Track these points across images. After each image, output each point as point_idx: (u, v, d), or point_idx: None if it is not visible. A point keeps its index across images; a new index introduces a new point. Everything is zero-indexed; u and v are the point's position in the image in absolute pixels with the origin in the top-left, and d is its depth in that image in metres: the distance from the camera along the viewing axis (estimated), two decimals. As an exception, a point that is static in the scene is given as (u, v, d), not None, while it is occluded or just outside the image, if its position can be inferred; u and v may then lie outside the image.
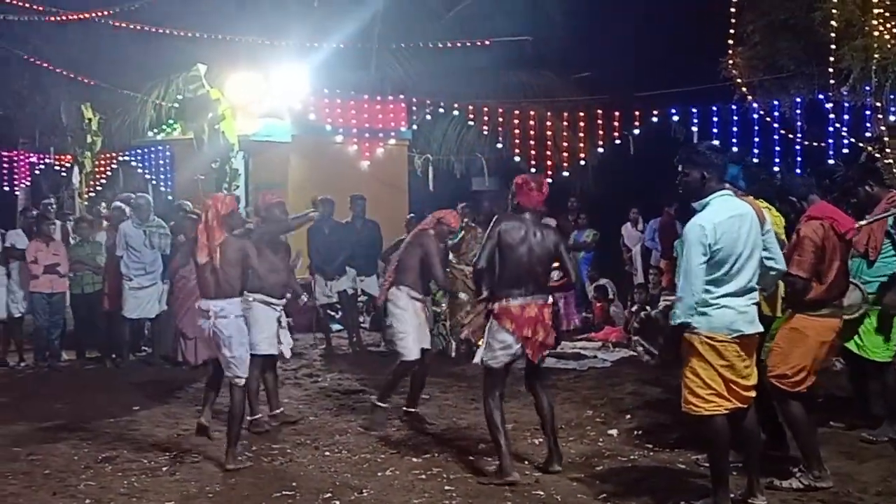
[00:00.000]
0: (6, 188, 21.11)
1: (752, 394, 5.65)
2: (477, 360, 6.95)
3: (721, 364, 5.50)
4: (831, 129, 14.22)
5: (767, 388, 6.23)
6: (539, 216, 6.98)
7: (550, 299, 6.86)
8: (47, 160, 21.30)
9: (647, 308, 12.14)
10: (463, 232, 12.05)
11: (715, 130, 16.27)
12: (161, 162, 18.85)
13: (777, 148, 15.36)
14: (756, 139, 15.64)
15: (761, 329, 5.73)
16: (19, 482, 6.70)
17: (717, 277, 5.45)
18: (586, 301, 15.50)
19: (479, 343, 7.04)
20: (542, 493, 6.32)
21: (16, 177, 21.39)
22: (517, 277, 6.70)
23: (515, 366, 7.00)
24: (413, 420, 8.45)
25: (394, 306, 8.34)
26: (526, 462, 7.05)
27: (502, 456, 6.65)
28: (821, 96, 13.98)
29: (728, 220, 5.48)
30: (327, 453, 7.50)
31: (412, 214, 14.18)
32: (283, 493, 6.41)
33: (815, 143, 14.88)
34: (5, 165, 21.32)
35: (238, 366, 7.24)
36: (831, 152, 14.43)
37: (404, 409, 8.58)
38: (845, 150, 14.18)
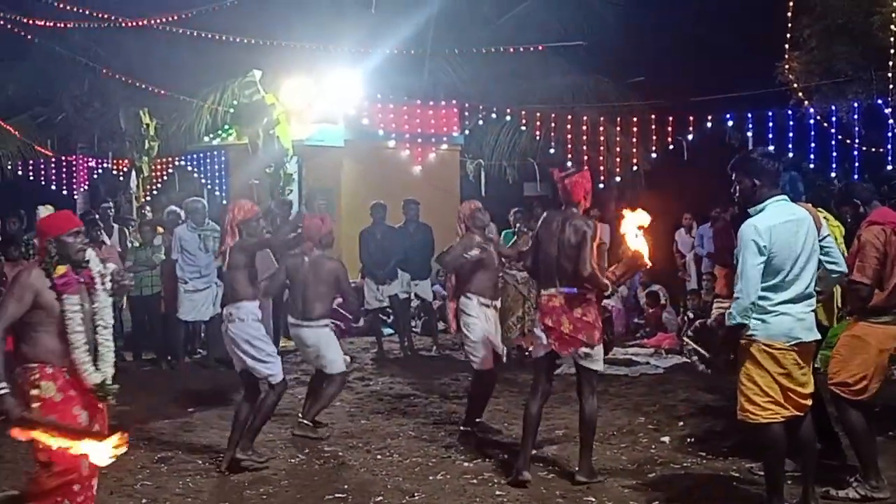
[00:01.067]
0: (65, 192, 21.47)
1: (809, 402, 5.58)
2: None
3: (778, 372, 5.44)
4: (890, 134, 14.01)
5: (823, 396, 6.15)
6: (575, 210, 6.82)
7: (590, 294, 6.68)
8: (105, 165, 21.64)
9: (701, 316, 12.04)
10: (515, 237, 12.04)
11: (771, 136, 16.10)
12: (216, 167, 19.07)
13: (834, 154, 15.18)
14: (812, 145, 15.46)
15: (819, 337, 5.67)
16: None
17: (775, 284, 5.40)
18: (638, 307, 15.41)
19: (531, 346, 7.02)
20: (593, 499, 6.30)
21: (74, 181, 21.75)
22: (547, 270, 6.77)
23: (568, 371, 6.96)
24: (480, 429, 8.28)
25: (465, 315, 8.09)
26: (577, 468, 7.00)
27: (521, 452, 6.73)
28: (879, 101, 13.80)
29: (783, 224, 5.43)
30: (378, 456, 7.54)
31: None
32: (336, 495, 6.46)
33: (873, 149, 14.67)
34: (64, 170, 21.69)
35: (261, 366, 7.31)
36: (889, 158, 14.21)
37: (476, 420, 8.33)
38: (904, 156, 13.97)
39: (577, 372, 6.87)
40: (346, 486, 6.66)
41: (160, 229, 13.09)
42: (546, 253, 6.77)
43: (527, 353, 8.16)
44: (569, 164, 18.68)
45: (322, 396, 8.26)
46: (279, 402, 7.61)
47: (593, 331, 6.67)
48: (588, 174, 6.97)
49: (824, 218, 6.27)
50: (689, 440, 7.88)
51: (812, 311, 5.55)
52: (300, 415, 8.32)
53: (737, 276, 5.51)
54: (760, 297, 5.38)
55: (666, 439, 7.96)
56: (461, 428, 8.11)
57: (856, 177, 14.07)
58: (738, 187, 5.67)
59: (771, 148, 15.89)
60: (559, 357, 6.89)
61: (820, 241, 5.64)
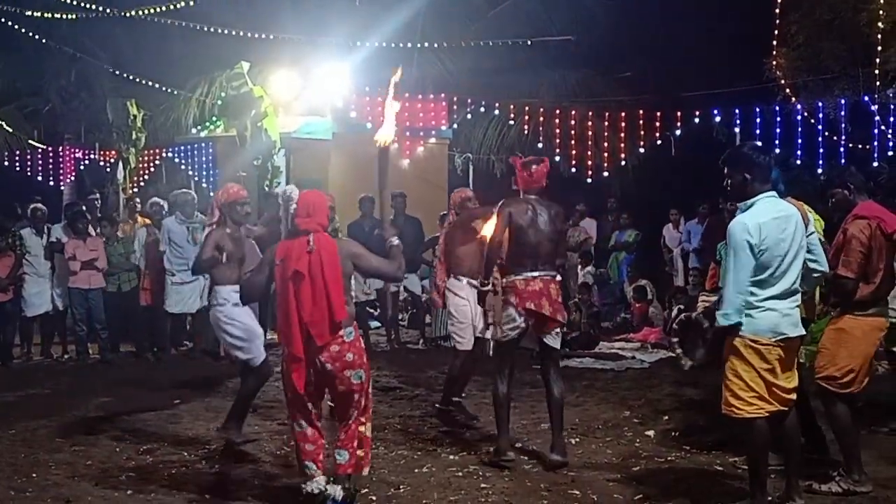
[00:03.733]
0: (51, 183, 21.39)
1: (793, 396, 5.61)
2: (487, 335, 7.08)
3: (764, 367, 5.47)
4: (876, 131, 14.07)
5: (808, 391, 6.18)
6: (543, 197, 7.15)
7: (559, 276, 7.08)
8: (92, 156, 21.56)
9: (684, 310, 12.03)
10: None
11: (758, 132, 16.14)
12: (204, 159, 19.01)
13: (821, 150, 15.23)
14: (799, 141, 15.51)
15: (804, 332, 5.70)
16: (62, 472, 6.80)
17: (762, 279, 5.42)
18: (624, 302, 15.46)
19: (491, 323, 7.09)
20: (577, 492, 6.32)
21: (61, 172, 21.67)
22: (524, 255, 6.94)
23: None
24: (457, 409, 8.41)
25: (454, 296, 8.22)
26: (552, 449, 7.02)
27: (500, 434, 6.91)
28: (866, 98, 13.85)
29: (772, 220, 5.44)
30: (364, 449, 7.53)
31: (445, 212, 14.19)
32: (321, 487, 6.44)
33: (859, 146, 14.73)
34: (51, 161, 21.61)
35: (237, 351, 7.46)
36: (876, 154, 14.28)
37: (453, 398, 8.47)
38: (890, 153, 14.02)
39: (544, 354, 7.10)
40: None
41: (146, 220, 13.08)
42: (524, 240, 6.93)
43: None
44: (556, 158, 18.74)
45: None
46: (261, 388, 7.76)
47: (564, 311, 7.13)
48: (548, 164, 7.29)
49: (808, 211, 6.28)
50: (673, 434, 7.91)
51: (797, 306, 5.57)
52: None
53: (726, 274, 5.52)
54: (749, 293, 5.40)
55: (651, 433, 7.99)
56: (437, 406, 8.40)
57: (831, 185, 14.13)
58: (729, 182, 5.69)
59: (758, 143, 15.96)
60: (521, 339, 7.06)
61: (807, 236, 5.67)
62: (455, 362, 8.37)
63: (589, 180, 18.84)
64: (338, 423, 5.90)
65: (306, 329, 5.64)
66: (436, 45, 19.72)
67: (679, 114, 17.35)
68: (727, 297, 5.43)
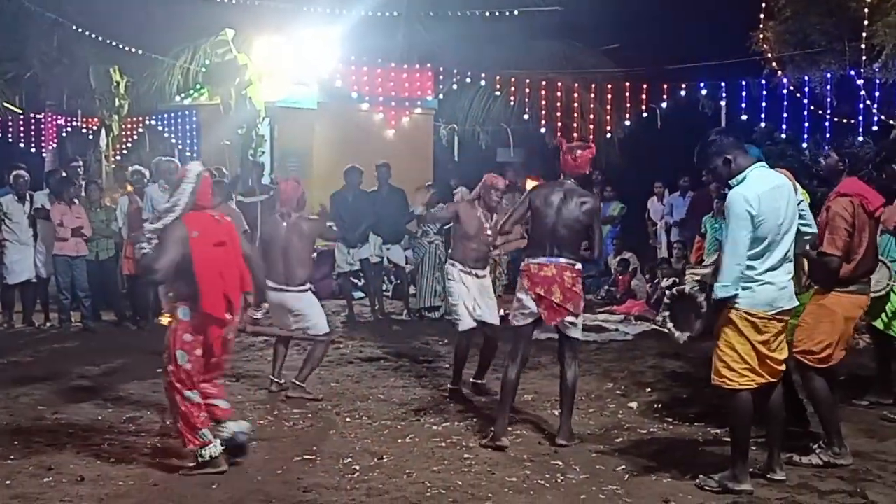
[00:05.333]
0: (33, 150, 21.21)
1: (783, 368, 5.68)
2: (499, 316, 7.07)
3: (758, 339, 5.50)
4: (861, 106, 14.09)
5: (790, 365, 6.21)
6: (581, 183, 7.05)
7: (579, 265, 6.83)
8: (74, 123, 21.39)
9: (675, 284, 12.03)
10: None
11: (743, 105, 16.17)
12: (187, 127, 18.91)
13: (806, 124, 15.27)
14: (785, 115, 15.55)
15: (798, 303, 5.73)
16: (44, 440, 6.78)
17: (760, 251, 5.43)
18: (608, 274, 15.48)
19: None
20: (560, 463, 6.35)
21: (43, 139, 21.49)
22: (541, 240, 6.81)
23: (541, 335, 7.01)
24: (479, 391, 8.44)
25: (448, 280, 8.38)
26: (546, 432, 7.06)
27: (498, 419, 6.80)
28: (851, 72, 13.86)
29: (769, 191, 5.45)
30: (348, 419, 7.55)
31: (429, 182, 14.17)
32: (304, 457, 6.46)
33: (844, 120, 14.75)
34: (33, 127, 21.42)
35: None
36: (860, 129, 14.31)
37: (472, 380, 8.50)
38: (875, 128, 14.05)
39: (560, 340, 6.96)
40: (315, 448, 6.67)
41: (129, 188, 13.00)
42: (542, 223, 6.81)
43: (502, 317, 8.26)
44: (542, 130, 18.72)
45: (310, 359, 8.34)
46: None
47: (580, 301, 6.83)
48: (594, 150, 7.16)
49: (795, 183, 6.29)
50: (656, 406, 7.95)
51: (791, 277, 5.59)
52: (274, 378, 8.39)
53: (724, 245, 5.49)
54: (746, 267, 5.41)
55: (633, 405, 8.02)
56: (450, 386, 8.37)
57: (826, 147, 14.17)
58: (714, 172, 5.70)
59: (744, 117, 15.99)
60: (539, 324, 6.93)
61: (798, 204, 5.69)
62: (459, 341, 8.41)
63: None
64: (209, 380, 6.21)
65: (227, 297, 6.06)
66: (422, 15, 19.61)
67: (665, 86, 17.34)
68: (726, 269, 5.42)
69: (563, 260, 6.75)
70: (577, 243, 6.85)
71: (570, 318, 6.79)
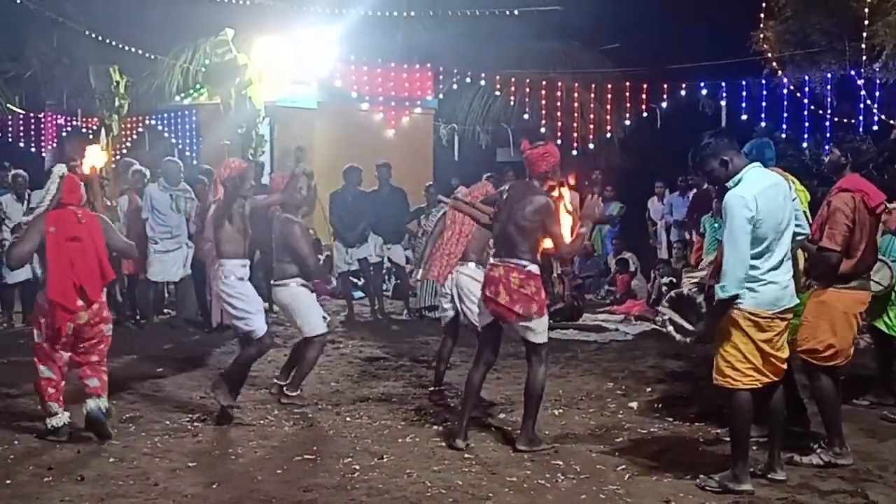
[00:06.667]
0: (33, 149, 21.19)
1: (785, 366, 5.67)
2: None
3: (762, 339, 5.49)
4: (861, 105, 14.10)
5: (792, 364, 6.20)
6: (537, 183, 6.70)
7: (532, 267, 6.54)
8: (74, 122, 21.37)
9: (675, 285, 12.03)
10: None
11: (744, 105, 16.17)
12: (187, 126, 18.90)
13: (806, 124, 15.28)
14: (785, 114, 15.55)
15: (798, 301, 5.73)
16: (44, 439, 6.77)
17: (761, 251, 5.42)
18: (608, 274, 15.49)
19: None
20: (560, 462, 6.34)
21: (43, 138, 21.46)
22: (496, 240, 6.80)
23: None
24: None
25: (472, 280, 7.78)
26: (547, 433, 7.05)
27: (459, 420, 6.78)
28: (852, 72, 13.87)
29: (766, 190, 5.44)
30: (348, 419, 7.54)
31: (430, 183, 14.17)
32: (305, 456, 6.46)
33: (844, 120, 14.76)
34: (32, 127, 21.39)
35: (240, 322, 7.49)
36: (861, 129, 14.32)
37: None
38: (875, 128, 14.06)
39: (524, 340, 6.74)
40: (315, 448, 6.66)
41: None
42: (497, 223, 6.77)
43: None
44: (542, 130, 18.70)
45: (303, 362, 8.08)
46: (258, 358, 7.75)
47: (531, 304, 6.50)
48: (554, 147, 6.83)
49: (792, 181, 6.28)
50: (656, 406, 7.94)
51: (791, 275, 5.59)
52: (279, 382, 8.31)
53: (725, 247, 5.46)
54: (749, 267, 5.40)
55: (634, 405, 8.02)
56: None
57: (826, 147, 14.18)
58: (711, 174, 5.67)
59: (744, 117, 15.99)
60: (503, 327, 6.80)
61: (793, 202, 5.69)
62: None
63: (574, 152, 18.81)
64: (82, 366, 6.87)
65: (81, 287, 6.69)
66: (422, 15, 19.61)
67: (665, 86, 17.34)
68: (728, 271, 5.38)
69: (512, 261, 6.55)
70: (531, 244, 6.59)
71: (522, 322, 6.55)
